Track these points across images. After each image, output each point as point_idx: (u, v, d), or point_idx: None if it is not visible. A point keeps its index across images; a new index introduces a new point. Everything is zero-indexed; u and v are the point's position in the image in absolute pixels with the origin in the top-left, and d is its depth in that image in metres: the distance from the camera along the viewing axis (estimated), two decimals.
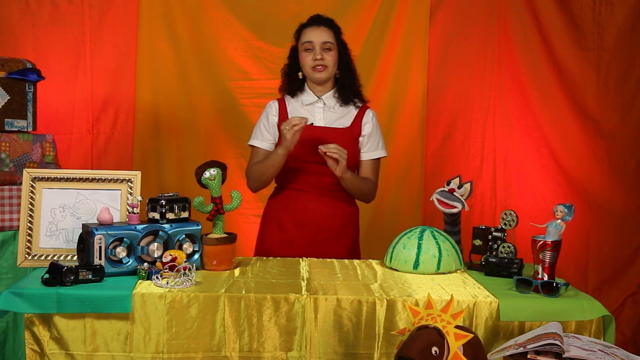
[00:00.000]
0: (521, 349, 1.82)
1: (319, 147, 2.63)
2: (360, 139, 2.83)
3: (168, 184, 3.67)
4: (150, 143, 3.74)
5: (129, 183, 2.40)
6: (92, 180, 2.38)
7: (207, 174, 2.32)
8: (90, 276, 2.09)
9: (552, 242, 2.17)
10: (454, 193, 2.51)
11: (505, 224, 2.42)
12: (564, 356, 1.81)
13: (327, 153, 2.62)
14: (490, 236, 2.43)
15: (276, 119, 2.83)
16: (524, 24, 3.68)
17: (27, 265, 2.32)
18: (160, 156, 3.76)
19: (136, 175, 2.41)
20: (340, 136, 2.76)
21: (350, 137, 2.80)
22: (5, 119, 2.96)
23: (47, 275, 2.07)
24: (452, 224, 2.54)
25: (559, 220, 2.18)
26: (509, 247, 2.39)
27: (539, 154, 3.73)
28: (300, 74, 2.84)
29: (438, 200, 2.51)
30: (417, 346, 1.66)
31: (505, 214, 2.43)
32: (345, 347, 2.03)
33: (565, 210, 2.18)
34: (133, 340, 2.02)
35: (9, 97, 2.97)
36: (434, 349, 1.67)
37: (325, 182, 2.76)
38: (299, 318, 2.03)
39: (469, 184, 2.53)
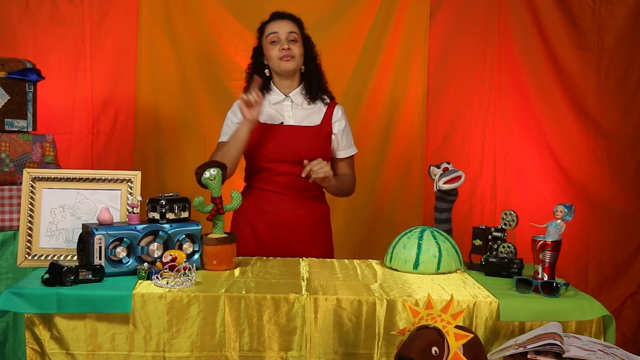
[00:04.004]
0: (521, 349, 1.82)
1: (302, 175, 2.62)
2: (333, 137, 2.82)
3: (168, 184, 3.67)
4: (150, 143, 3.74)
5: (129, 183, 2.40)
6: (92, 180, 2.38)
7: (207, 174, 2.32)
8: (90, 276, 2.09)
9: (552, 242, 2.17)
10: (450, 169, 2.52)
11: (505, 224, 2.42)
12: (564, 356, 1.81)
13: (314, 177, 2.61)
14: (490, 236, 2.43)
15: None
16: (524, 24, 3.68)
17: (27, 265, 2.32)
18: (160, 156, 3.75)
19: (136, 175, 2.41)
20: (311, 134, 2.75)
21: (321, 135, 2.78)
22: (5, 119, 2.96)
23: (47, 275, 2.07)
24: (447, 211, 2.52)
25: (559, 220, 2.18)
26: (509, 247, 2.39)
27: (539, 154, 3.73)
28: (266, 71, 2.81)
29: (445, 182, 2.50)
30: (417, 346, 1.66)
31: (505, 214, 2.43)
32: (345, 347, 2.03)
33: (565, 210, 2.18)
34: (133, 340, 2.02)
35: (9, 97, 2.97)
36: (434, 349, 1.67)
37: (298, 182, 2.72)
38: (299, 318, 2.03)
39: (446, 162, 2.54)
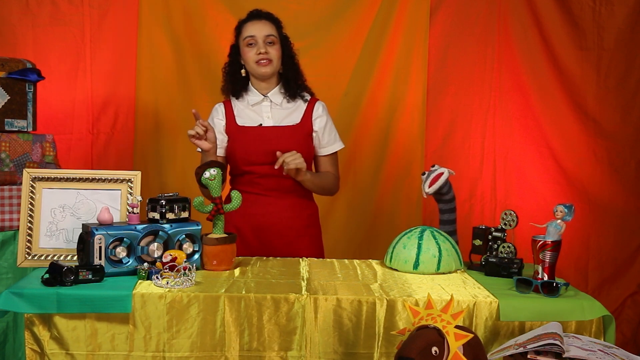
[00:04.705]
0: (521, 349, 1.82)
1: (275, 167, 2.60)
2: (314, 134, 2.79)
3: (168, 184, 3.67)
4: (150, 143, 3.74)
5: (129, 183, 2.40)
6: (92, 180, 2.38)
7: (207, 174, 2.32)
8: (90, 276, 2.09)
9: (552, 242, 2.17)
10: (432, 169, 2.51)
11: (505, 224, 2.42)
12: (564, 356, 1.81)
13: (286, 168, 2.60)
14: (490, 236, 2.43)
15: (223, 122, 2.78)
16: (524, 24, 3.68)
17: (27, 265, 2.32)
18: (160, 156, 3.75)
19: (136, 175, 2.41)
20: (290, 134, 2.73)
21: (301, 133, 2.76)
22: (5, 119, 2.96)
23: (47, 275, 2.07)
24: (449, 212, 2.51)
25: (559, 220, 2.18)
26: (509, 247, 2.39)
27: (539, 154, 3.73)
28: (242, 71, 2.79)
29: (429, 185, 2.47)
30: (417, 346, 1.66)
31: (505, 214, 2.43)
32: (345, 347, 2.03)
33: (565, 210, 2.18)
34: (133, 340, 2.02)
35: (9, 97, 2.98)
36: (434, 349, 1.67)
37: (282, 183, 2.72)
38: (299, 318, 2.03)
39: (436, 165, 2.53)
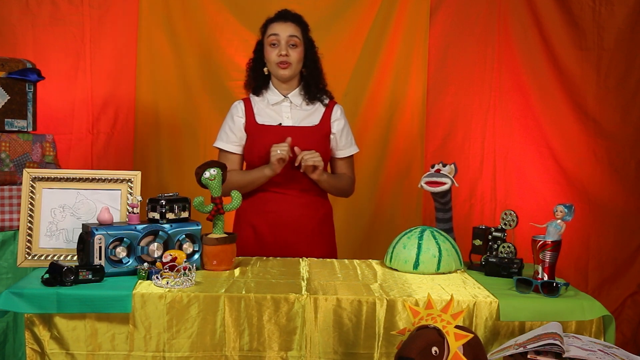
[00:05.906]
0: (521, 349, 1.82)
1: (295, 164, 2.63)
2: (332, 136, 2.81)
3: (168, 184, 3.67)
4: (150, 143, 3.74)
5: (129, 183, 2.40)
6: (92, 180, 2.38)
7: (207, 174, 2.32)
8: (90, 276, 2.09)
9: (552, 242, 2.17)
10: (441, 172, 2.50)
11: (505, 224, 2.42)
12: (564, 356, 1.81)
13: (304, 165, 2.62)
14: (490, 236, 2.43)
15: (242, 120, 2.79)
16: (524, 24, 3.68)
17: (27, 265, 2.32)
18: (160, 156, 3.75)
19: (136, 175, 2.41)
20: (309, 135, 2.74)
21: (320, 134, 2.78)
22: (5, 119, 2.96)
23: (47, 275, 2.07)
24: (443, 210, 2.52)
25: (559, 220, 2.18)
26: (509, 247, 2.39)
27: (539, 154, 3.73)
28: (265, 69, 2.81)
29: (427, 183, 2.49)
30: (417, 346, 1.66)
31: (505, 214, 2.43)
32: (345, 347, 2.03)
33: (565, 210, 2.18)
34: (133, 340, 2.02)
35: (9, 97, 2.97)
36: (434, 349, 1.67)
37: (298, 182, 2.73)
38: (299, 318, 2.03)
39: (453, 164, 2.51)
